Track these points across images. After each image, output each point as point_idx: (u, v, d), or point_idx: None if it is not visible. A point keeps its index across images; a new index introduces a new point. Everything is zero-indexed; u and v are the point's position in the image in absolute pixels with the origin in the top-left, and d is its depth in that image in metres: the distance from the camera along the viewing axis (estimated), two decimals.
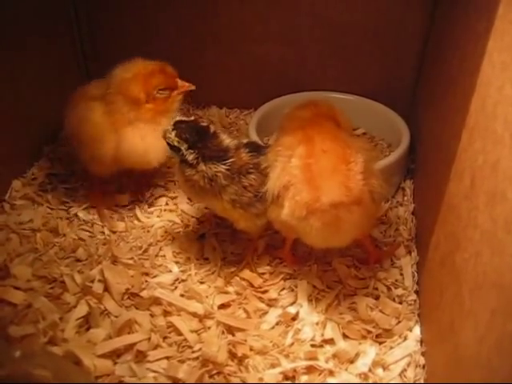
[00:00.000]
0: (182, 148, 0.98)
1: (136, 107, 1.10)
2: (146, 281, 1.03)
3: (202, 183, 0.98)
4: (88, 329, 0.94)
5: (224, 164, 0.98)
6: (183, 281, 1.04)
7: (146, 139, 1.11)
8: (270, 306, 1.00)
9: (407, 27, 1.27)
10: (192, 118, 1.03)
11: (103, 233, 1.15)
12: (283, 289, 1.03)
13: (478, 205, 0.71)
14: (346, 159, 0.87)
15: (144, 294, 1.00)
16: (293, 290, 1.02)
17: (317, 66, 1.38)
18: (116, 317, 0.96)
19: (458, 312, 0.75)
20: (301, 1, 1.30)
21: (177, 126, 0.99)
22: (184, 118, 1.01)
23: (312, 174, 0.86)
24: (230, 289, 1.03)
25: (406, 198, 1.21)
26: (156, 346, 0.92)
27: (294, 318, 0.97)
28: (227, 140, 1.01)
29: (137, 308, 0.98)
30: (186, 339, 0.93)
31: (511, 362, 0.54)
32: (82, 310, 0.96)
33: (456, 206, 0.83)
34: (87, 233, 1.15)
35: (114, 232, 1.15)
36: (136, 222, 1.18)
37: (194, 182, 0.99)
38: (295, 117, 1.01)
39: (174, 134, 0.98)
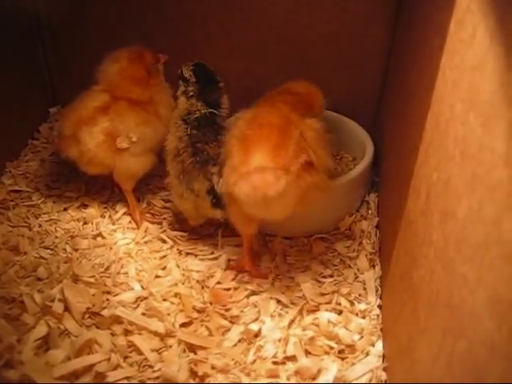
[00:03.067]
0: (190, 81, 1.10)
1: (143, 87, 1.18)
2: (108, 299, 1.01)
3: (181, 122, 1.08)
4: (47, 350, 0.92)
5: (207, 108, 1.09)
6: (145, 299, 1.02)
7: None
8: (232, 323, 0.99)
9: (370, 42, 1.28)
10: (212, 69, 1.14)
11: (65, 250, 1.13)
12: (246, 305, 1.02)
13: (433, 222, 0.72)
14: (283, 133, 0.93)
15: (105, 312, 0.98)
16: (256, 307, 1.01)
17: (281, 80, 1.36)
18: (76, 337, 0.94)
19: (414, 329, 0.75)
20: (265, 15, 1.29)
21: (198, 65, 1.12)
22: (204, 64, 1.13)
23: (247, 142, 0.91)
24: (195, 304, 1.01)
25: (370, 212, 1.21)
26: (116, 367, 0.90)
27: (257, 334, 0.96)
28: (225, 100, 1.13)
29: (97, 327, 0.97)
30: (146, 358, 0.91)
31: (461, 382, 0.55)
32: (40, 330, 0.94)
33: (413, 222, 0.83)
34: (49, 251, 1.12)
35: (77, 250, 1.13)
36: (99, 239, 1.17)
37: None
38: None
39: (191, 67, 1.12)
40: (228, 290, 1.05)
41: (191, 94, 1.10)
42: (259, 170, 0.88)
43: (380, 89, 1.34)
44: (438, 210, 0.70)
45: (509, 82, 0.52)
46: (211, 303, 1.01)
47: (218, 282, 1.07)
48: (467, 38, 0.66)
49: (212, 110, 1.09)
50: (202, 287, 1.05)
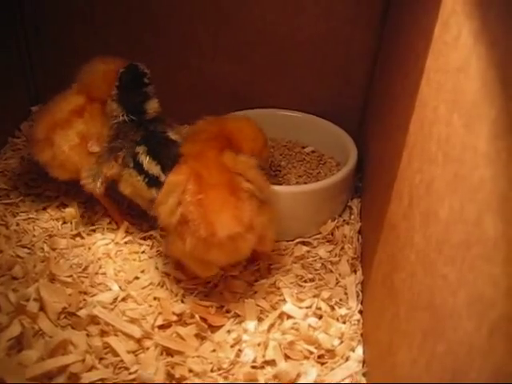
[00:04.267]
0: (116, 82, 1.08)
1: None
2: (85, 300, 0.99)
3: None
4: (20, 350, 0.90)
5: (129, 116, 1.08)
6: (123, 300, 1.00)
7: None
8: (212, 326, 0.97)
9: (356, 46, 1.27)
10: (146, 71, 1.11)
11: (43, 250, 1.11)
12: (229, 311, 1.01)
13: (415, 225, 0.71)
14: (234, 189, 0.94)
15: (81, 313, 0.96)
16: (236, 311, 1.00)
17: (267, 83, 1.37)
18: (50, 337, 0.92)
19: (395, 333, 0.74)
20: (251, 18, 1.29)
21: (129, 67, 1.10)
22: (140, 66, 1.10)
23: (204, 209, 0.90)
24: (173, 308, 1.00)
25: (352, 217, 1.21)
26: (91, 368, 0.88)
27: (237, 338, 0.95)
28: (153, 110, 1.10)
29: (73, 328, 0.94)
30: (122, 360, 0.89)
31: None
32: (14, 330, 0.91)
33: (396, 225, 0.83)
34: (26, 250, 1.10)
35: (54, 249, 1.11)
36: (78, 239, 1.15)
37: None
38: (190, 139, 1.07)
39: (122, 70, 1.09)
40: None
41: (113, 97, 1.08)
42: (230, 238, 0.90)
43: (365, 93, 1.34)
44: (420, 213, 0.70)
45: (492, 81, 0.52)
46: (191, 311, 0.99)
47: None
48: (452, 40, 0.66)
49: (131, 117, 1.08)
50: (182, 290, 1.03)
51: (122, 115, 1.07)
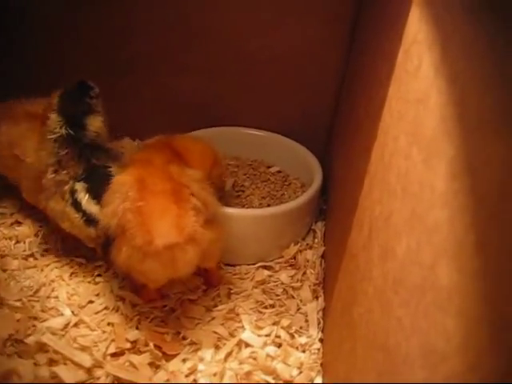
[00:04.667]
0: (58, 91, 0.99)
1: None
2: (34, 325, 0.95)
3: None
4: None
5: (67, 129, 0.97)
6: (75, 325, 0.96)
7: None
8: (167, 355, 0.94)
9: (325, 66, 1.25)
10: (94, 86, 1.01)
11: None
12: (185, 338, 0.97)
13: (373, 258, 0.69)
14: (177, 198, 0.89)
15: (30, 340, 0.92)
16: (194, 339, 0.96)
17: (234, 100, 1.34)
18: None
19: (351, 368, 0.72)
20: (220, 33, 1.26)
21: (78, 82, 1.00)
22: (90, 83, 1.01)
23: (143, 217, 0.86)
24: (127, 335, 0.96)
25: (316, 241, 1.18)
26: None
27: (192, 368, 0.91)
28: (96, 122, 1.00)
29: (20, 356, 0.90)
30: None
31: None
32: None
33: (356, 255, 0.80)
34: None
35: (5, 270, 1.06)
36: (31, 259, 1.10)
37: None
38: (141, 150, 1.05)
39: (59, 92, 0.99)
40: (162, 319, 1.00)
41: (53, 108, 0.98)
42: (167, 248, 0.84)
43: (332, 115, 1.32)
44: (379, 245, 0.67)
45: (451, 117, 0.50)
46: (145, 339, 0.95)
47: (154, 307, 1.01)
48: (412, 69, 0.64)
49: (70, 131, 0.97)
50: (137, 315, 1.00)
51: (61, 127, 0.97)
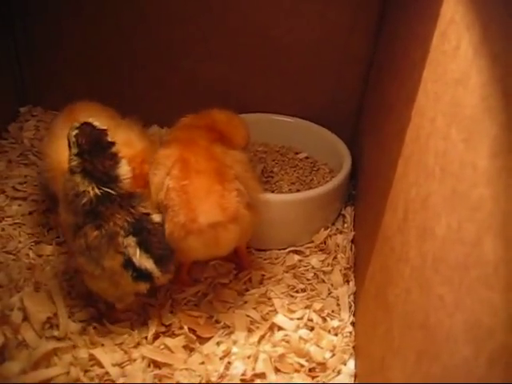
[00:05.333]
0: (72, 150, 0.86)
1: None
2: (71, 310, 0.97)
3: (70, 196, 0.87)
4: (2, 362, 0.87)
5: (99, 188, 0.86)
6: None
7: None
8: (201, 338, 0.95)
9: (351, 52, 1.25)
10: (103, 128, 0.89)
11: (28, 256, 1.08)
12: (218, 321, 0.98)
13: (410, 239, 0.69)
14: (221, 178, 0.90)
15: (68, 323, 0.94)
16: (227, 322, 0.98)
17: (260, 87, 1.35)
18: (34, 349, 0.89)
19: (388, 349, 0.72)
20: (245, 20, 1.26)
21: (83, 127, 0.88)
22: (95, 124, 0.89)
23: (188, 195, 0.88)
24: (162, 319, 0.97)
25: (346, 226, 1.19)
26: (75, 381, 0.86)
27: (226, 350, 0.93)
28: (123, 170, 0.89)
29: (58, 339, 0.92)
30: (108, 373, 0.87)
31: None
32: None
33: (390, 238, 0.80)
34: (11, 256, 1.08)
35: (40, 256, 1.08)
36: (65, 245, 1.12)
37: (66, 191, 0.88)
38: (180, 128, 1.04)
39: (74, 132, 0.87)
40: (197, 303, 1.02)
41: (74, 169, 0.86)
42: (210, 226, 0.87)
43: (360, 100, 1.31)
44: (416, 227, 0.68)
45: (492, 96, 0.50)
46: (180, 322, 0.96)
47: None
48: (450, 51, 0.64)
49: (106, 190, 0.86)
50: (171, 299, 1.01)
51: (93, 188, 0.86)
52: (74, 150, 0.86)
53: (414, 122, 0.77)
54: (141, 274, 0.87)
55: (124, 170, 0.89)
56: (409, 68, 0.85)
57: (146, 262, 0.87)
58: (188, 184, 0.89)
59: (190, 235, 0.88)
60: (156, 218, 0.91)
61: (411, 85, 0.80)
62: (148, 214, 0.90)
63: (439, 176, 0.61)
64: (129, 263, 0.87)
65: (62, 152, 0.95)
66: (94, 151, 0.87)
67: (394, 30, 1.07)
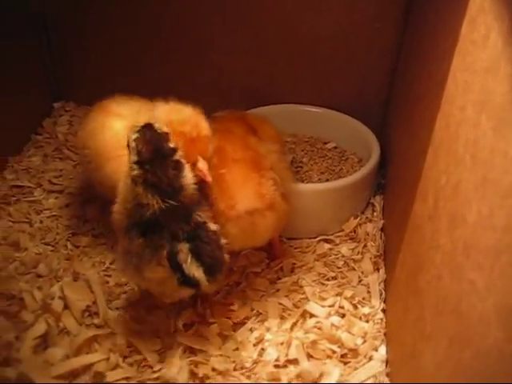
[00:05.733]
0: (132, 156, 0.81)
1: None
2: (109, 298, 1.00)
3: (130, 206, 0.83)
4: (45, 348, 0.91)
5: (164, 201, 0.81)
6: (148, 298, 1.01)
7: None
8: (235, 324, 0.97)
9: (379, 42, 1.26)
10: (165, 131, 0.83)
11: (66, 247, 1.11)
12: (251, 309, 1.00)
13: (440, 226, 0.70)
14: (257, 167, 0.93)
15: (107, 311, 0.97)
16: (258, 309, 1.00)
17: (287, 79, 1.36)
18: (75, 336, 0.93)
19: (419, 335, 0.74)
20: (271, 13, 1.28)
21: (143, 131, 0.82)
22: (156, 126, 0.83)
23: (226, 183, 0.91)
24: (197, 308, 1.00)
25: (375, 214, 1.20)
26: (115, 366, 0.89)
27: (259, 337, 0.95)
28: (187, 178, 0.84)
29: (97, 326, 0.96)
30: (146, 359, 0.90)
31: None
32: (39, 328, 0.93)
33: (420, 226, 0.82)
34: (49, 247, 1.11)
35: (78, 247, 1.12)
36: (101, 236, 1.16)
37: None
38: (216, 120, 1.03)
39: (134, 136, 0.82)
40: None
41: (136, 180, 0.81)
42: (248, 213, 0.90)
43: (388, 90, 1.32)
44: (447, 214, 0.69)
45: None
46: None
47: None
48: (480, 40, 0.65)
49: (171, 202, 0.82)
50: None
51: (157, 202, 0.81)
52: (134, 158, 0.81)
53: (444, 110, 0.78)
54: (187, 280, 0.84)
55: (188, 178, 0.83)
56: (438, 57, 0.86)
57: (195, 270, 0.84)
58: (226, 172, 0.91)
59: (229, 222, 0.90)
60: (212, 226, 0.87)
61: (440, 74, 0.81)
62: (204, 223, 0.86)
63: (470, 164, 0.62)
64: (177, 267, 0.83)
65: (102, 144, 1.01)
66: (156, 160, 0.81)
67: (422, 20, 1.07)
